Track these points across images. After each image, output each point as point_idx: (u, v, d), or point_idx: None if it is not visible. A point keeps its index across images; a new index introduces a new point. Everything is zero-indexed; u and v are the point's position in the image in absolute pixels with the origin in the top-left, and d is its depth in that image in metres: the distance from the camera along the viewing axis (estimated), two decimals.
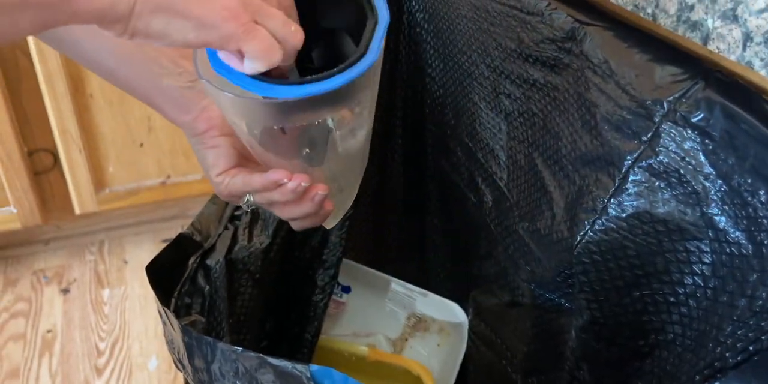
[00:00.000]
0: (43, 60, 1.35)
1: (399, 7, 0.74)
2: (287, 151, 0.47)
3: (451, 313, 0.76)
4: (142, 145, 1.51)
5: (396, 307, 0.78)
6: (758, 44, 0.33)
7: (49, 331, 1.43)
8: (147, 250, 1.64)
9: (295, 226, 0.53)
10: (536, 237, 0.51)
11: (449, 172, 0.73)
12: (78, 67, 1.37)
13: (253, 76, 0.39)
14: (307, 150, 0.45)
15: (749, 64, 0.33)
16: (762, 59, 0.33)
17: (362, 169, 0.52)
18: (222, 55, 0.39)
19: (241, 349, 0.41)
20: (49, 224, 1.59)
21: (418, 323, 0.78)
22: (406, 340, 0.78)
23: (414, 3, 0.73)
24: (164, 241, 1.67)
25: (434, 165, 0.77)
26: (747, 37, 0.33)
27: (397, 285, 0.78)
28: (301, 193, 0.45)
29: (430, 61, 0.72)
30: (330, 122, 0.43)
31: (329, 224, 0.54)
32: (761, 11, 0.32)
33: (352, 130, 0.45)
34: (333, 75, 0.38)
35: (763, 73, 0.33)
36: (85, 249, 1.66)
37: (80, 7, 0.34)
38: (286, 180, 0.44)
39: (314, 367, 0.39)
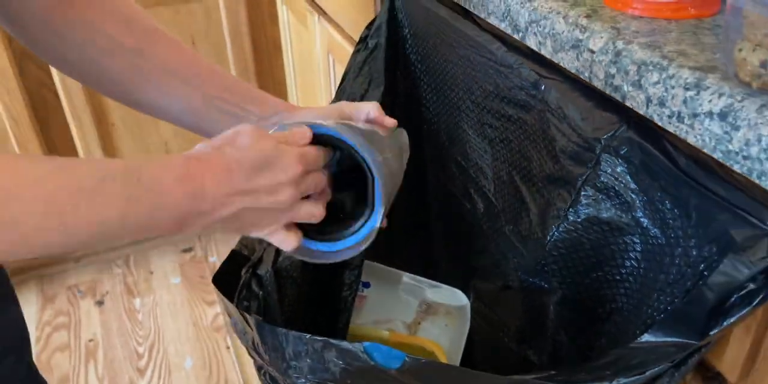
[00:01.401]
0: (69, 95, 1.47)
1: (396, 47, 0.87)
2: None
3: (456, 298, 0.83)
4: None
5: (409, 297, 0.87)
6: (655, 105, 0.48)
7: (90, 340, 1.56)
8: (170, 261, 1.78)
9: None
10: (519, 237, 0.66)
11: (446, 184, 0.86)
12: (100, 99, 1.50)
13: None
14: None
15: (651, 117, 0.49)
16: (659, 115, 0.48)
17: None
18: None
19: (309, 335, 0.56)
20: None
21: (429, 308, 0.86)
22: (419, 323, 0.85)
23: (408, 45, 0.86)
24: (184, 250, 1.80)
25: (434, 178, 0.90)
26: (648, 100, 0.49)
27: (409, 278, 0.86)
28: None
29: (424, 94, 0.86)
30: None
31: None
32: (655, 83, 0.48)
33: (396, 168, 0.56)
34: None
35: (661, 123, 0.48)
36: (112, 263, 1.78)
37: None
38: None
39: (366, 343, 0.53)
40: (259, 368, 0.70)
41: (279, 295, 0.76)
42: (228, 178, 0.43)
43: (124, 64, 0.57)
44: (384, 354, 0.54)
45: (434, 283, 0.86)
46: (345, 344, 0.54)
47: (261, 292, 0.75)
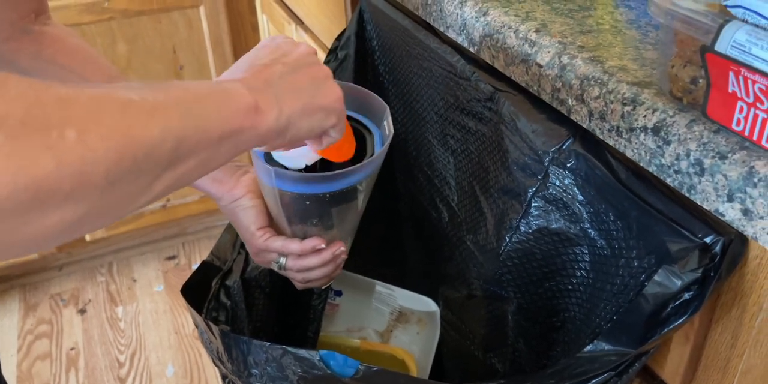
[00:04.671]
0: None
1: (364, 59, 0.88)
2: (307, 218, 0.55)
3: (426, 305, 0.85)
4: None
5: (381, 305, 0.88)
6: (597, 119, 0.49)
7: (72, 349, 1.57)
8: (153, 268, 1.78)
9: (302, 286, 0.62)
10: (478, 246, 0.67)
11: (415, 193, 0.88)
12: None
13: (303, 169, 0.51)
14: (318, 219, 0.56)
15: (593, 131, 0.50)
16: (600, 129, 0.49)
17: (357, 226, 0.62)
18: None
19: (269, 343, 0.57)
20: (62, 251, 1.72)
21: (400, 316, 0.87)
22: (391, 331, 0.87)
23: (377, 57, 0.88)
24: (168, 258, 1.81)
25: (403, 187, 0.91)
26: (590, 114, 0.50)
27: (381, 286, 0.87)
28: (338, 256, 0.55)
29: (392, 104, 0.87)
30: (359, 186, 0.54)
31: (326, 284, 0.65)
32: (596, 98, 0.49)
33: (367, 190, 0.56)
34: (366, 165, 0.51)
35: (602, 136, 0.50)
36: (95, 271, 1.79)
37: (260, 130, 0.38)
38: (323, 245, 0.54)
39: (322, 351, 0.54)
40: (223, 377, 0.71)
41: (247, 305, 0.77)
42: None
43: None
44: (339, 362, 0.56)
45: (406, 291, 0.87)
46: (302, 352, 0.55)
47: (229, 303, 0.76)
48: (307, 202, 0.54)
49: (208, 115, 0.36)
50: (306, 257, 0.57)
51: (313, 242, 0.55)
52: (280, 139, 0.41)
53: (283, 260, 0.58)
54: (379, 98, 0.56)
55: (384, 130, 0.55)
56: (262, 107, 0.39)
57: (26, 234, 0.28)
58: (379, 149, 0.54)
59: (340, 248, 0.56)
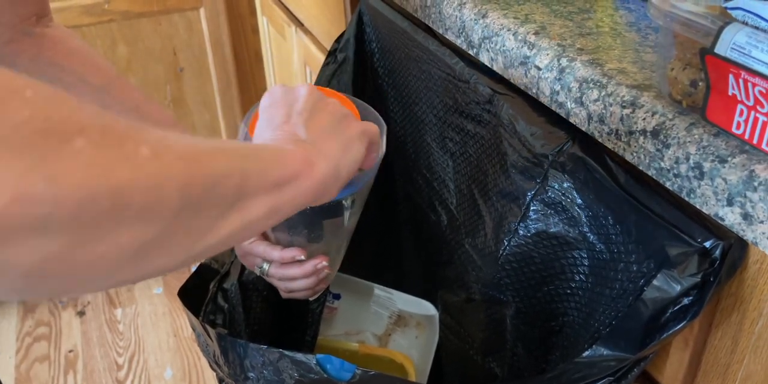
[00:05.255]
0: None
1: (363, 61, 0.88)
2: (294, 228, 0.55)
3: (425, 309, 0.85)
4: None
5: (379, 308, 0.87)
6: (596, 122, 0.49)
7: (70, 351, 1.56)
8: None
9: (287, 295, 0.62)
10: (476, 250, 0.67)
11: (413, 195, 0.87)
12: None
13: None
14: (305, 230, 0.56)
15: (592, 134, 0.50)
16: (599, 132, 0.49)
17: (347, 244, 0.61)
18: None
19: (266, 346, 0.56)
20: None
21: (399, 320, 0.87)
22: (390, 335, 0.86)
23: (376, 59, 0.88)
24: None
25: (402, 190, 0.91)
26: (589, 117, 0.50)
27: (379, 290, 0.86)
28: (320, 271, 0.55)
29: (391, 107, 0.87)
30: (345, 202, 0.54)
31: (312, 297, 0.64)
32: (595, 100, 0.49)
33: (356, 209, 0.56)
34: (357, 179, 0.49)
35: (601, 139, 0.49)
36: None
37: (316, 179, 0.39)
38: (302, 257, 0.54)
39: (319, 355, 0.54)
40: (220, 381, 0.71)
41: (245, 309, 0.77)
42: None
43: (88, 100, 0.59)
44: (336, 366, 0.55)
45: (404, 294, 0.86)
46: (299, 356, 0.55)
47: (227, 306, 0.76)
48: None
49: (265, 163, 0.37)
50: (288, 267, 0.57)
51: (293, 252, 0.55)
52: (338, 182, 0.42)
53: (266, 266, 0.58)
54: (377, 114, 0.55)
55: (380, 146, 0.55)
56: (311, 159, 0.40)
57: (96, 253, 0.27)
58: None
59: (323, 263, 0.56)
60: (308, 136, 0.42)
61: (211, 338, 0.64)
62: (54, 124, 0.25)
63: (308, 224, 0.56)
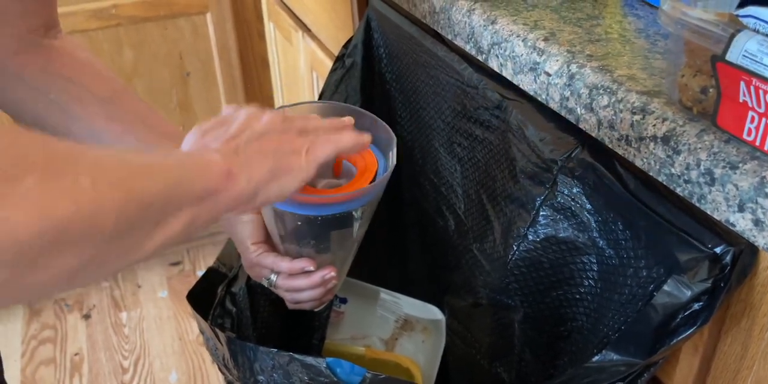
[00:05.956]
0: None
1: (371, 66, 0.88)
2: (303, 239, 0.56)
3: (432, 313, 0.85)
4: None
5: (386, 313, 0.87)
6: (606, 128, 0.49)
7: (76, 354, 1.56)
8: (157, 274, 1.78)
9: (294, 306, 0.63)
10: (484, 255, 0.67)
11: (420, 200, 0.87)
12: None
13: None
14: (313, 241, 0.56)
15: (602, 140, 0.50)
16: (609, 138, 0.49)
17: (354, 254, 0.61)
18: None
19: (276, 349, 0.56)
20: None
21: (405, 324, 0.87)
22: (396, 339, 0.86)
23: (384, 64, 0.88)
24: (172, 264, 1.81)
25: (409, 194, 0.91)
26: (599, 123, 0.50)
27: (386, 294, 0.86)
28: (327, 281, 0.55)
29: (399, 112, 0.87)
30: (355, 213, 0.54)
31: (318, 308, 0.65)
32: (605, 106, 0.49)
33: (365, 220, 0.56)
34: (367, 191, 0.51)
35: (611, 145, 0.49)
36: None
37: (232, 194, 0.40)
38: (311, 268, 0.55)
39: (329, 358, 0.54)
40: (229, 383, 0.71)
41: (252, 312, 0.77)
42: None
43: (94, 111, 0.59)
44: (346, 370, 0.56)
45: (411, 299, 0.86)
46: (309, 359, 0.55)
47: (235, 309, 0.76)
48: (299, 223, 0.54)
49: (191, 177, 0.38)
50: (295, 278, 0.57)
51: (302, 263, 0.55)
52: (251, 203, 0.43)
53: (273, 277, 0.58)
54: (388, 127, 0.55)
55: (389, 160, 0.55)
56: (233, 172, 0.41)
57: (35, 278, 0.29)
58: (380, 178, 0.54)
59: (331, 273, 0.56)
60: (244, 154, 0.43)
61: (220, 342, 0.64)
62: (5, 167, 0.27)
63: (317, 235, 0.56)
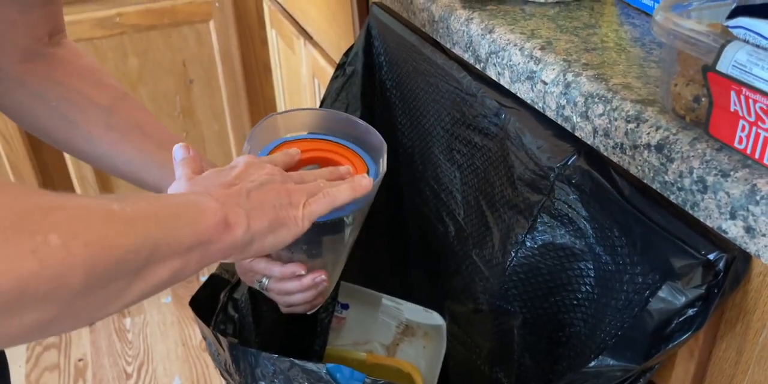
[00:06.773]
0: None
1: (372, 74, 0.89)
2: (295, 245, 0.55)
3: (433, 319, 0.85)
4: None
5: (387, 318, 0.88)
6: (601, 136, 0.50)
7: (80, 360, 1.57)
8: None
9: (287, 310, 0.63)
10: (484, 261, 0.68)
11: (421, 206, 0.88)
12: None
13: None
14: (305, 246, 0.56)
15: (597, 148, 0.51)
16: (604, 146, 0.50)
17: (345, 258, 0.62)
18: None
19: (277, 355, 0.57)
20: None
21: (406, 330, 0.87)
22: (397, 344, 0.87)
23: (384, 72, 0.89)
24: None
25: (410, 200, 0.92)
26: (595, 131, 0.51)
27: (387, 300, 0.87)
28: (318, 284, 0.56)
29: (399, 119, 0.88)
30: (346, 219, 0.55)
31: (310, 311, 0.65)
32: (600, 115, 0.50)
33: (356, 225, 0.57)
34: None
35: (606, 153, 0.50)
36: None
37: (225, 244, 0.40)
38: (303, 272, 0.55)
39: (329, 364, 0.55)
40: None
41: (254, 318, 0.77)
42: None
43: (94, 119, 0.60)
44: (346, 375, 0.56)
45: (412, 304, 0.87)
46: (309, 365, 0.56)
47: (237, 315, 0.76)
48: None
49: (181, 226, 0.38)
50: (286, 281, 0.58)
51: (293, 268, 0.56)
52: (244, 253, 0.43)
53: (265, 280, 0.59)
54: (379, 134, 0.57)
55: (380, 166, 0.56)
56: (231, 222, 0.41)
57: (4, 331, 0.30)
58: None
59: (321, 277, 0.57)
60: (245, 204, 0.43)
61: (222, 347, 0.65)
62: None
63: (309, 241, 0.56)
